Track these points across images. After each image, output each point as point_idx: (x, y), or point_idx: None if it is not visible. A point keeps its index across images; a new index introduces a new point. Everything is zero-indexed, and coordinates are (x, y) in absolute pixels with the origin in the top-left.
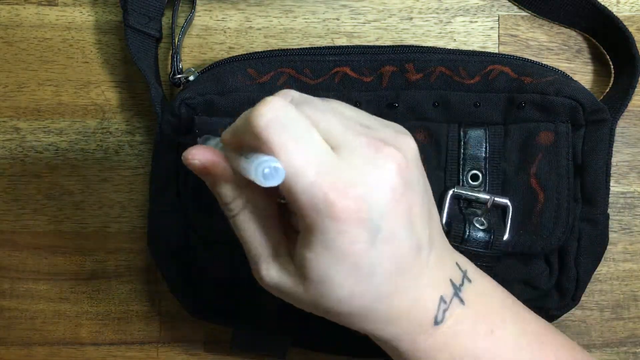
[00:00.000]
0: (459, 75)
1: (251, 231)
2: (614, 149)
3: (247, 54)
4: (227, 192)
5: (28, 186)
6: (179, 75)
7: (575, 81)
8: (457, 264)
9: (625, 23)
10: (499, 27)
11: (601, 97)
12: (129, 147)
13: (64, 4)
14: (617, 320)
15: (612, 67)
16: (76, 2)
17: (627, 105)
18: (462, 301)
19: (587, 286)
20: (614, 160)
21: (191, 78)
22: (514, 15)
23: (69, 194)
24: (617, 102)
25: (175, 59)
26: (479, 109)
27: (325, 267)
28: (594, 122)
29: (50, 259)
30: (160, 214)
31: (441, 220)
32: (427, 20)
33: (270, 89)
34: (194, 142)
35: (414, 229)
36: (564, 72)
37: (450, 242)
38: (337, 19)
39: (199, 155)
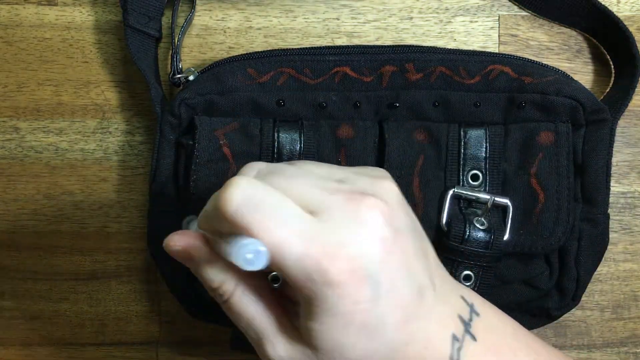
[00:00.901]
0: (459, 75)
1: (248, 313)
2: (614, 148)
3: (247, 53)
4: (213, 276)
5: (28, 186)
6: (179, 75)
7: (576, 81)
8: (462, 297)
9: (626, 23)
10: (499, 27)
11: (601, 97)
12: (129, 147)
13: (64, 3)
14: (617, 320)
15: (612, 67)
16: (76, 2)
17: (627, 105)
18: (473, 337)
19: (588, 286)
20: (614, 160)
21: (191, 78)
22: (514, 15)
23: (68, 194)
24: (618, 102)
25: (175, 59)
26: (479, 109)
27: (334, 334)
28: (594, 122)
29: (50, 259)
30: (160, 214)
31: (441, 220)
32: (427, 20)
33: (270, 89)
34: (193, 142)
35: (413, 273)
36: (564, 72)
37: (450, 242)
38: (337, 19)
39: (180, 241)
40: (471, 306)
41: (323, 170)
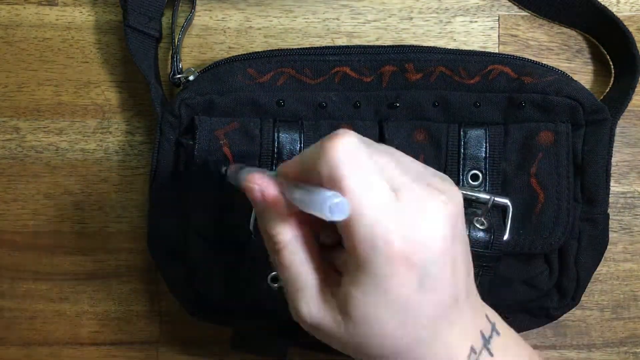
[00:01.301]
0: (459, 75)
1: (295, 266)
2: (614, 148)
3: (247, 53)
4: (275, 223)
5: (28, 186)
6: (179, 75)
7: (576, 81)
8: (486, 315)
9: (626, 23)
10: (499, 27)
11: (601, 97)
12: (129, 147)
13: (64, 3)
14: (617, 320)
15: (612, 67)
16: (76, 2)
17: (627, 105)
18: (490, 353)
19: (587, 286)
20: (614, 160)
21: (191, 78)
22: (514, 15)
23: (69, 194)
24: (617, 102)
25: (175, 59)
26: (479, 109)
27: (371, 306)
28: (594, 122)
29: (50, 259)
30: (160, 214)
31: None
32: (427, 20)
33: (270, 89)
34: (193, 142)
35: (456, 279)
36: (564, 72)
37: None
38: (337, 19)
39: (260, 182)
40: (493, 324)
41: (406, 158)
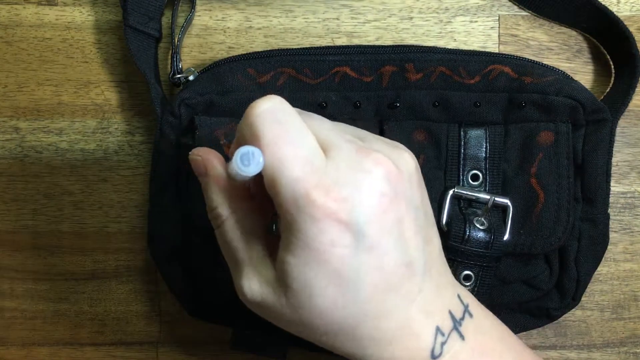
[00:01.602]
0: (459, 75)
1: (235, 242)
2: (614, 148)
3: (247, 53)
4: (216, 196)
5: (28, 186)
6: (179, 75)
7: (576, 81)
8: (458, 296)
9: (626, 23)
10: (499, 27)
11: (601, 97)
12: (129, 147)
13: (64, 3)
14: (617, 320)
15: (612, 67)
16: (76, 2)
17: (627, 105)
18: (461, 336)
19: (588, 286)
20: (614, 160)
21: (191, 78)
22: (514, 15)
23: (68, 194)
24: (618, 101)
25: (175, 59)
26: (479, 109)
27: (306, 271)
28: (594, 122)
29: (50, 259)
30: (160, 214)
31: (441, 220)
32: (427, 20)
33: (270, 89)
34: (193, 142)
35: (404, 244)
36: (564, 72)
37: (450, 242)
38: (337, 19)
39: (202, 152)
40: (466, 306)
41: (349, 128)
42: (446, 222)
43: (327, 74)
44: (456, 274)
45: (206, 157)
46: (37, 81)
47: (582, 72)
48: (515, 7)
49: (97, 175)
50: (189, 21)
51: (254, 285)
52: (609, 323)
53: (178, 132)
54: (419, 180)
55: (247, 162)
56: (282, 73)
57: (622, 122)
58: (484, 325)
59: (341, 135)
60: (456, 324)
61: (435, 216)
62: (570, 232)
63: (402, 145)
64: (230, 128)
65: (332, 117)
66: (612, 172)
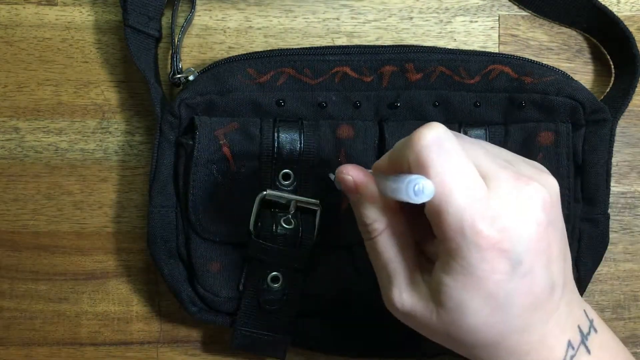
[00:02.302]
0: (459, 75)
1: (387, 255)
2: (614, 148)
3: (246, 53)
4: (370, 213)
5: (28, 186)
6: (179, 75)
7: (576, 81)
8: (584, 311)
9: (626, 23)
10: (499, 27)
11: (601, 97)
12: (129, 147)
13: (64, 3)
14: (617, 320)
15: (612, 67)
16: (76, 1)
17: (627, 105)
18: (588, 350)
19: (588, 286)
20: (614, 160)
21: (191, 78)
22: (514, 15)
23: (68, 194)
24: (618, 101)
25: (175, 59)
26: (479, 109)
27: (463, 294)
28: (594, 121)
29: (50, 259)
30: (160, 214)
31: None
32: (427, 20)
33: (270, 89)
34: (193, 142)
35: (551, 268)
36: (564, 72)
37: None
38: (337, 19)
39: (353, 172)
40: (591, 321)
41: (495, 149)
42: None
43: (327, 74)
44: None
45: (357, 177)
46: (37, 81)
47: (582, 72)
48: (515, 7)
49: (97, 175)
50: (189, 21)
51: (405, 296)
52: (609, 323)
53: (178, 132)
54: (559, 201)
55: (419, 193)
56: (282, 73)
57: (622, 122)
58: (606, 340)
59: (496, 162)
60: (584, 338)
61: None
62: (570, 232)
63: (545, 169)
64: (230, 128)
65: (332, 117)
66: (612, 172)
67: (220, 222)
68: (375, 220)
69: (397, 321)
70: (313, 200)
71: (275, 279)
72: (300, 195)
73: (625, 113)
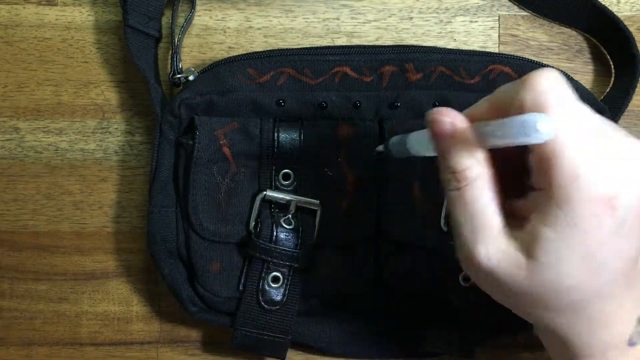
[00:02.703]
0: (459, 75)
1: (476, 206)
2: None
3: (247, 53)
4: (463, 159)
5: (28, 186)
6: (179, 75)
7: (576, 81)
8: None
9: (626, 23)
10: (499, 27)
11: (601, 97)
12: (129, 147)
13: (64, 3)
14: None
15: (612, 67)
16: (76, 2)
17: (627, 105)
18: None
19: None
20: None
21: (191, 78)
22: (514, 15)
23: (68, 194)
24: (618, 102)
25: (175, 59)
26: None
27: (563, 248)
28: None
29: (50, 259)
30: (160, 214)
31: (441, 220)
32: (427, 20)
33: (270, 89)
34: (193, 142)
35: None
36: (564, 72)
37: (450, 241)
38: (337, 19)
39: (452, 114)
40: None
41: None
42: (446, 222)
43: (327, 74)
44: (455, 274)
45: (456, 120)
46: (37, 81)
47: (582, 72)
48: (515, 7)
49: (97, 175)
50: (189, 21)
51: (491, 251)
52: None
53: (178, 132)
54: None
55: (540, 131)
56: (282, 73)
57: (622, 122)
58: None
59: (607, 122)
60: None
61: (435, 216)
62: None
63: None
64: (230, 128)
65: (332, 117)
66: None
67: (220, 222)
68: (468, 167)
69: (396, 321)
70: (313, 201)
71: (275, 279)
72: (300, 195)
73: (625, 113)
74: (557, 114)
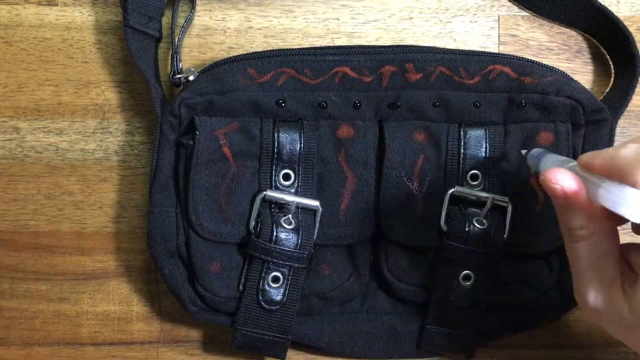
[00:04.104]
0: (459, 75)
1: (587, 261)
2: None
3: (247, 53)
4: (576, 220)
5: (28, 186)
6: (179, 75)
7: (576, 81)
8: None
9: (626, 23)
10: (499, 27)
11: (601, 97)
12: (129, 147)
13: (64, 4)
14: None
15: (612, 67)
16: (76, 2)
17: (627, 105)
18: None
19: None
20: None
21: (191, 78)
22: (514, 15)
23: (68, 194)
24: (617, 102)
25: (175, 59)
26: (479, 109)
27: None
28: (594, 122)
29: (50, 259)
30: (160, 214)
31: (441, 220)
32: (427, 20)
33: (270, 89)
34: (193, 142)
35: None
36: (564, 72)
37: (450, 242)
38: (337, 19)
39: (563, 181)
40: None
41: None
42: (446, 222)
43: (327, 74)
44: (455, 273)
45: (566, 186)
46: (37, 81)
47: (582, 72)
48: (515, 7)
49: (97, 175)
50: (189, 21)
51: (599, 301)
52: None
53: (178, 132)
54: None
55: (623, 204)
56: (282, 73)
57: (622, 122)
58: None
59: None
60: None
61: (435, 216)
62: None
63: None
64: (230, 128)
65: (332, 117)
66: None
67: (221, 222)
68: (581, 227)
69: (396, 321)
70: (313, 201)
71: (275, 279)
72: (300, 195)
73: (625, 113)
74: None
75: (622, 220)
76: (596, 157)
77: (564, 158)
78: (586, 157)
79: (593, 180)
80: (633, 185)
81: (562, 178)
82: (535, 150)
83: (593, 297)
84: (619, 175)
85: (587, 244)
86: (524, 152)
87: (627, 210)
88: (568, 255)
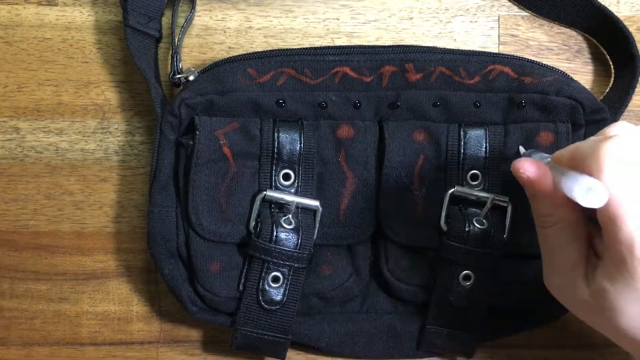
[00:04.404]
0: (459, 75)
1: (553, 246)
2: None
3: (247, 53)
4: (543, 207)
5: (28, 186)
6: (179, 75)
7: (576, 81)
8: None
9: (625, 23)
10: (499, 27)
11: (601, 97)
12: (129, 147)
13: (64, 4)
14: None
15: (612, 67)
16: (76, 2)
17: (627, 105)
18: None
19: None
20: None
21: (191, 78)
22: (514, 15)
23: (68, 194)
24: (617, 102)
25: (175, 59)
26: (479, 109)
27: (620, 300)
28: (594, 122)
29: (50, 259)
30: (160, 214)
31: (441, 220)
32: (427, 20)
33: (270, 89)
34: (194, 142)
35: None
36: (564, 72)
37: (450, 241)
38: (337, 19)
39: (530, 170)
40: None
41: None
42: (446, 222)
43: (327, 74)
44: (455, 273)
45: (531, 174)
46: (37, 81)
47: (582, 72)
48: (515, 7)
49: (97, 175)
50: (189, 21)
51: (563, 284)
52: None
53: (178, 132)
54: None
55: (589, 197)
56: (282, 73)
57: None
58: None
59: None
60: None
61: (435, 216)
62: None
63: None
64: (230, 128)
65: (332, 117)
66: None
67: (221, 222)
68: (549, 214)
69: (396, 321)
70: (313, 201)
71: (275, 279)
72: (300, 195)
73: (625, 113)
74: (616, 184)
75: (589, 210)
76: (565, 151)
77: (547, 155)
78: (558, 152)
79: (558, 171)
80: (589, 174)
81: (528, 167)
82: (530, 151)
83: (558, 280)
84: (578, 166)
85: (554, 230)
86: (522, 150)
87: (577, 194)
88: (539, 240)
